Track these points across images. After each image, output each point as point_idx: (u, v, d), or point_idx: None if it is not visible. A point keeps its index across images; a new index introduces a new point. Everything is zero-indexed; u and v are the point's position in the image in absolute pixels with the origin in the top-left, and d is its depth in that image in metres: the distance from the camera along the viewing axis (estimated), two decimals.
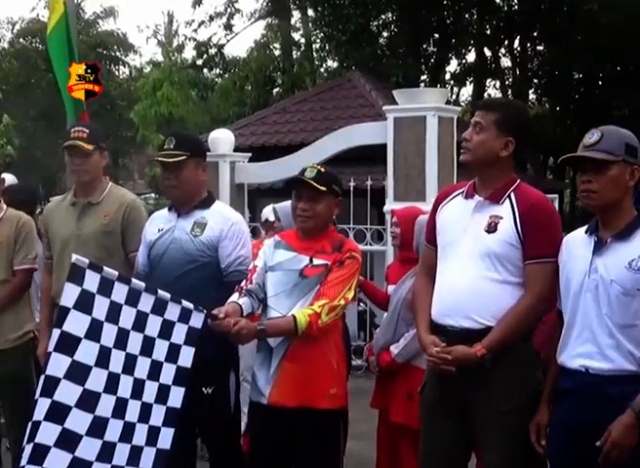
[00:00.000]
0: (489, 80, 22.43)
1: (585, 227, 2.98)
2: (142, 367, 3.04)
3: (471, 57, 21.43)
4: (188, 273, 3.67)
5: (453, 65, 24.08)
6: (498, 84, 22.17)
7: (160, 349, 3.08)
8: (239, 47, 67.90)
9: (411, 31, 18.14)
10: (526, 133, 3.25)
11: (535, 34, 19.68)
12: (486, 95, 22.14)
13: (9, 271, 4.50)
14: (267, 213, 5.30)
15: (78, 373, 2.90)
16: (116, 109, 26.33)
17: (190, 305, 3.14)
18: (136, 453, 3.04)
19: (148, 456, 3.06)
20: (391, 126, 7.89)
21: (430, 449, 3.24)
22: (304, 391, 3.37)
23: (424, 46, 19.69)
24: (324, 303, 3.32)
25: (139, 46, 43.66)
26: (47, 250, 4.44)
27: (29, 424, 2.85)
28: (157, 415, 3.07)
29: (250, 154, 9.72)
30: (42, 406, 2.85)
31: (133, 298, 3.02)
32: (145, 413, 3.05)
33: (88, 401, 2.91)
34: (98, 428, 2.94)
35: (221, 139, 9.15)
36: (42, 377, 2.89)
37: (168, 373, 3.08)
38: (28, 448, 2.85)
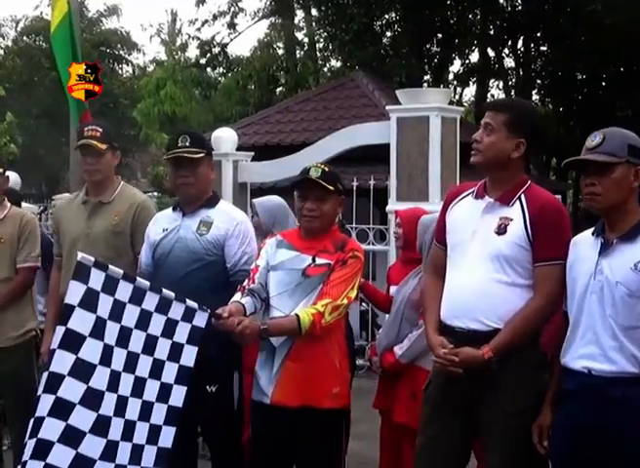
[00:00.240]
0: (492, 80, 22.44)
1: (593, 229, 2.97)
2: (144, 365, 3.04)
3: (475, 57, 21.47)
4: (194, 272, 3.67)
5: (456, 65, 24.15)
6: (501, 84, 22.16)
7: (162, 348, 3.08)
8: (242, 46, 68.12)
9: (414, 31, 18.12)
10: (537, 133, 3.24)
11: (538, 35, 19.66)
12: (489, 95, 22.18)
13: (12, 269, 4.52)
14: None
15: (82, 371, 2.91)
16: (119, 108, 26.32)
17: (194, 304, 3.14)
18: (137, 452, 3.04)
19: (150, 455, 3.06)
20: (394, 126, 7.88)
21: (432, 447, 3.23)
22: (307, 390, 3.37)
23: (428, 46, 19.67)
24: (327, 303, 3.31)
25: (142, 44, 43.63)
26: (57, 247, 4.44)
27: (32, 420, 2.86)
28: (158, 414, 3.07)
29: (253, 153, 9.72)
30: (45, 402, 2.86)
31: (137, 297, 3.03)
32: (146, 412, 3.05)
33: (91, 399, 2.92)
34: (101, 426, 2.95)
35: (224, 138, 9.15)
36: (45, 374, 2.89)
37: (170, 372, 3.08)
38: (31, 444, 2.85)
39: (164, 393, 3.08)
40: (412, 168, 7.77)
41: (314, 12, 20.12)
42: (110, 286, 2.97)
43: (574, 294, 2.93)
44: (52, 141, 24.12)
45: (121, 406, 3.00)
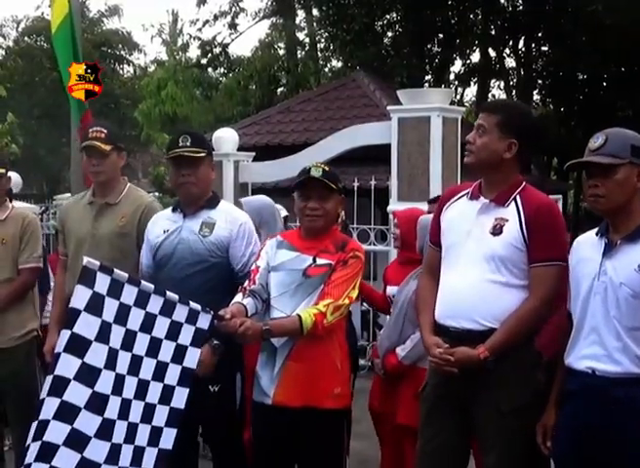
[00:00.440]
0: (493, 80, 22.43)
1: (596, 229, 2.97)
2: (148, 368, 3.04)
3: (476, 57, 21.45)
4: (196, 274, 3.67)
5: (457, 66, 24.16)
6: (502, 84, 22.15)
7: (166, 350, 3.07)
8: (243, 46, 67.98)
9: (415, 31, 18.12)
10: (529, 134, 3.23)
11: (539, 35, 19.64)
12: (490, 95, 22.16)
13: (14, 270, 4.52)
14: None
15: (88, 376, 2.89)
16: (120, 108, 26.31)
17: (198, 306, 3.14)
18: (138, 454, 3.03)
19: (150, 456, 3.06)
20: (395, 126, 7.88)
21: (431, 448, 3.23)
22: (309, 391, 3.37)
23: (429, 46, 19.67)
24: (329, 303, 3.31)
25: (143, 45, 43.78)
26: (62, 247, 4.44)
27: (35, 423, 2.85)
28: (160, 416, 3.07)
29: (254, 153, 9.71)
30: (50, 405, 2.85)
31: (142, 300, 3.02)
32: (148, 414, 3.04)
33: (97, 403, 2.91)
34: (106, 430, 2.94)
35: (225, 139, 9.15)
36: (50, 377, 2.88)
37: (173, 374, 3.08)
38: (35, 446, 2.84)
39: (166, 395, 3.07)
40: (413, 168, 7.77)
41: (315, 12, 20.14)
42: (116, 289, 2.96)
43: (578, 295, 2.93)
44: (53, 142, 24.14)
45: (125, 408, 2.99)
